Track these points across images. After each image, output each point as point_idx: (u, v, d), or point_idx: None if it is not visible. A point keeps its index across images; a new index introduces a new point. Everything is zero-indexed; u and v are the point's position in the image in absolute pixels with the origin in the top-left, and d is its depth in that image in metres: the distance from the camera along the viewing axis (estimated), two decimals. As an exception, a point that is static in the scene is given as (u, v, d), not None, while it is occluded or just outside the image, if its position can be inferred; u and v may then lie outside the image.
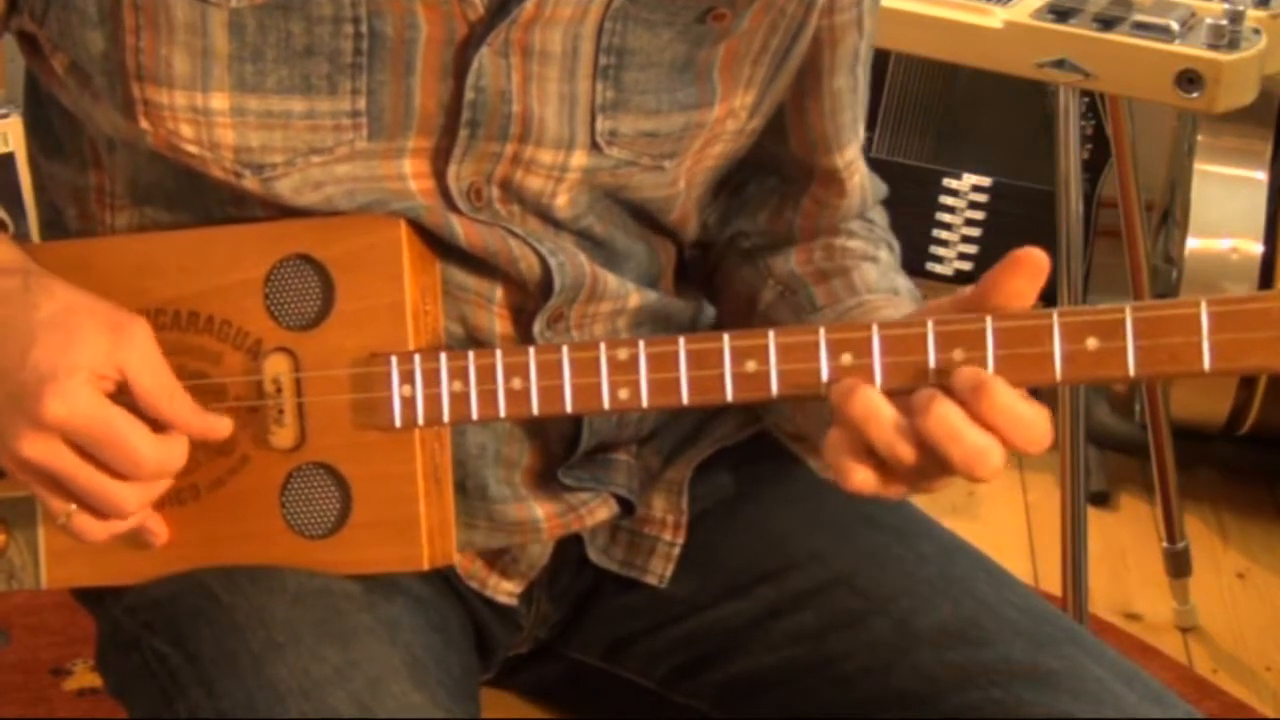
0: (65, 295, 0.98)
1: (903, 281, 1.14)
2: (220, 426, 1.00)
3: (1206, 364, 0.87)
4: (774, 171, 1.15)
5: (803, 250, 1.15)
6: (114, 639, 1.08)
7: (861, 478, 0.90)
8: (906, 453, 0.88)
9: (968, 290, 0.92)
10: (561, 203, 1.04)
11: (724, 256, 1.19)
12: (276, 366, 1.00)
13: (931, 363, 0.91)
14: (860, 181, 1.16)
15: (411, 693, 0.98)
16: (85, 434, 0.95)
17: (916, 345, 0.91)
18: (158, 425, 0.97)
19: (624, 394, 0.95)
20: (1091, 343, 0.89)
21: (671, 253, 1.15)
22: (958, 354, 0.90)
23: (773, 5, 1.04)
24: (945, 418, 0.87)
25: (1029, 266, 0.89)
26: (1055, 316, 0.89)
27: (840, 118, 1.12)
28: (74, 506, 0.97)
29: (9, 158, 2.40)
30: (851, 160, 1.14)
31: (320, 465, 1.00)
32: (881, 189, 1.20)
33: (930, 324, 0.91)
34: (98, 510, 0.97)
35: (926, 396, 0.88)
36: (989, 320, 0.90)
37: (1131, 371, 0.88)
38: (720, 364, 0.94)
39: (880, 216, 1.20)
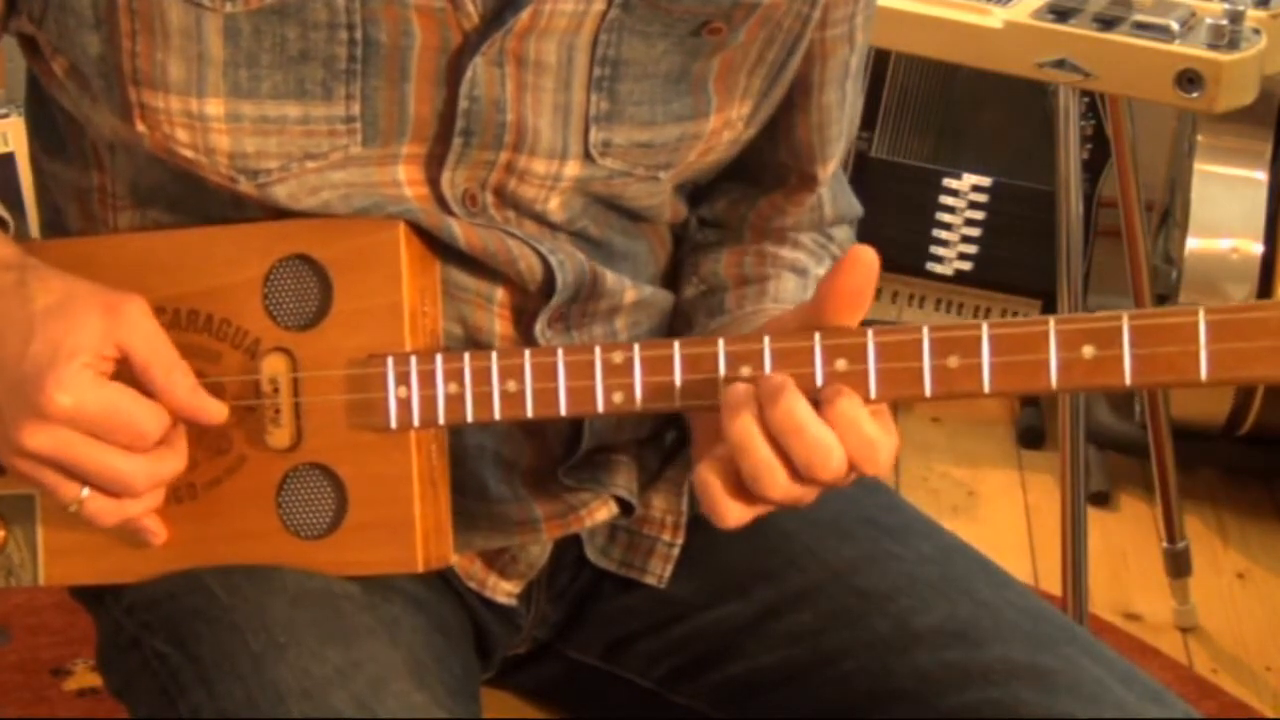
0: (61, 285, 0.98)
1: None
2: (213, 410, 0.99)
3: (1204, 374, 0.86)
4: (750, 176, 1.15)
5: (734, 253, 1.15)
6: (114, 639, 1.08)
7: (737, 509, 0.92)
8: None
9: (807, 302, 0.93)
10: (554, 207, 1.04)
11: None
12: (274, 366, 1.00)
13: (927, 370, 0.90)
14: (823, 195, 1.15)
15: (413, 693, 0.98)
16: (90, 419, 0.95)
17: (912, 351, 0.90)
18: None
19: (618, 397, 0.95)
20: (1088, 350, 0.88)
21: (669, 247, 1.15)
22: (953, 360, 0.90)
23: (769, 19, 1.04)
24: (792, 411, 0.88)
25: (864, 264, 0.89)
26: (1052, 323, 0.88)
27: (827, 132, 1.12)
28: (85, 492, 0.97)
29: (9, 158, 2.41)
30: (832, 174, 1.14)
31: (316, 466, 1.00)
32: (855, 209, 1.20)
33: (926, 330, 0.90)
34: (109, 490, 0.97)
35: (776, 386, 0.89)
36: (985, 326, 0.89)
37: (1128, 380, 0.87)
38: (715, 368, 0.94)
39: (844, 235, 1.19)
